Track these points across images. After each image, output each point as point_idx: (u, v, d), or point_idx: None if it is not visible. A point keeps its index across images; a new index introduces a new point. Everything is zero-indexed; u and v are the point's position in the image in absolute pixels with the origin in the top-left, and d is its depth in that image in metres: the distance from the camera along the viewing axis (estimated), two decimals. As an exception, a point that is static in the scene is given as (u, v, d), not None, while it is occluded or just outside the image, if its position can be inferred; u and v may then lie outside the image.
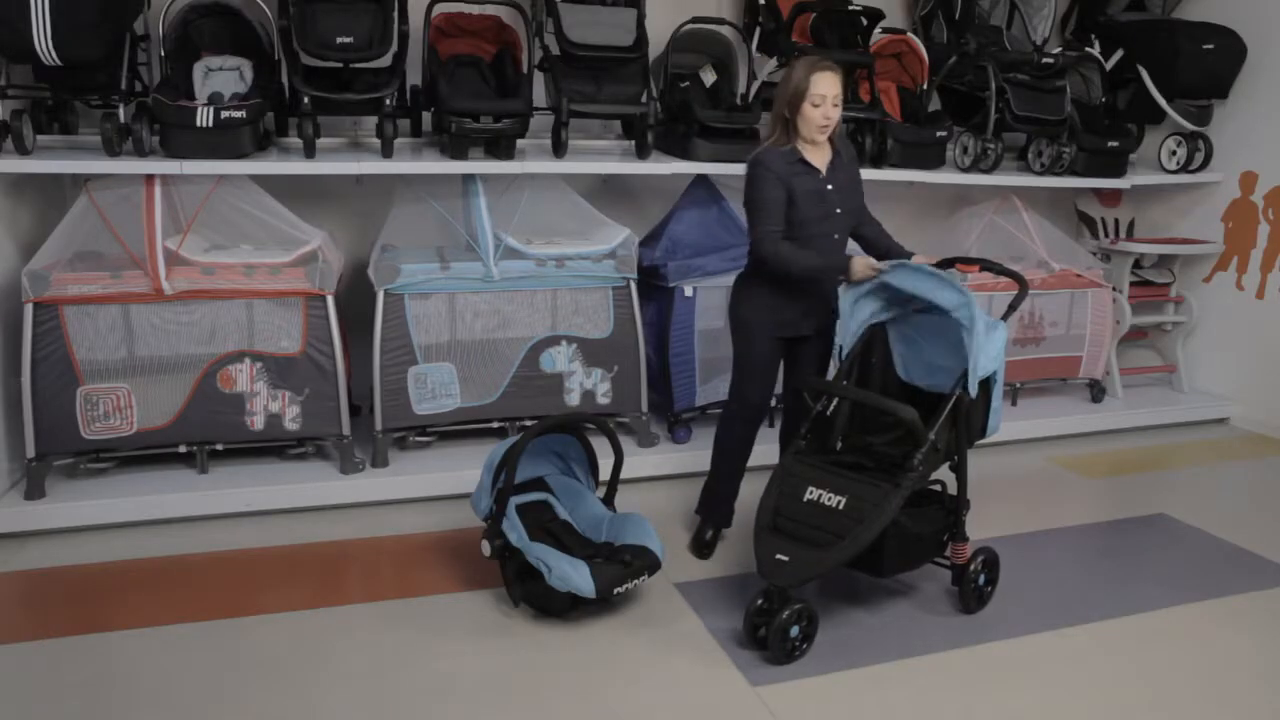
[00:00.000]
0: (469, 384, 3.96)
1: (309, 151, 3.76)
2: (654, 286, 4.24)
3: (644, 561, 3.00)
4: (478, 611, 3.05)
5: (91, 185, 3.64)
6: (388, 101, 3.78)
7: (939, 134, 4.57)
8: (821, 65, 3.02)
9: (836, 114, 3.05)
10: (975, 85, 4.72)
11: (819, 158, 3.14)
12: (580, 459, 3.35)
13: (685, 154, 4.24)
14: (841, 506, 2.79)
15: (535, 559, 2.90)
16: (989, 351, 2.90)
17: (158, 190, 3.61)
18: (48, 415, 3.50)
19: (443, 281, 3.87)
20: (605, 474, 3.33)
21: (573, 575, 2.85)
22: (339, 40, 3.63)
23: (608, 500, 3.32)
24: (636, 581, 2.97)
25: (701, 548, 3.46)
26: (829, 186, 3.13)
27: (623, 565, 2.96)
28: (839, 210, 3.16)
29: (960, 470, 3.03)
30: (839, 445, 3.13)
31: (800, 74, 3.02)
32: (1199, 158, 5.07)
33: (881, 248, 3.31)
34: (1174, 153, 5.13)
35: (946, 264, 3.20)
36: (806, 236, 3.10)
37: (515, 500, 3.07)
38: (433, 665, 2.74)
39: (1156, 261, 5.35)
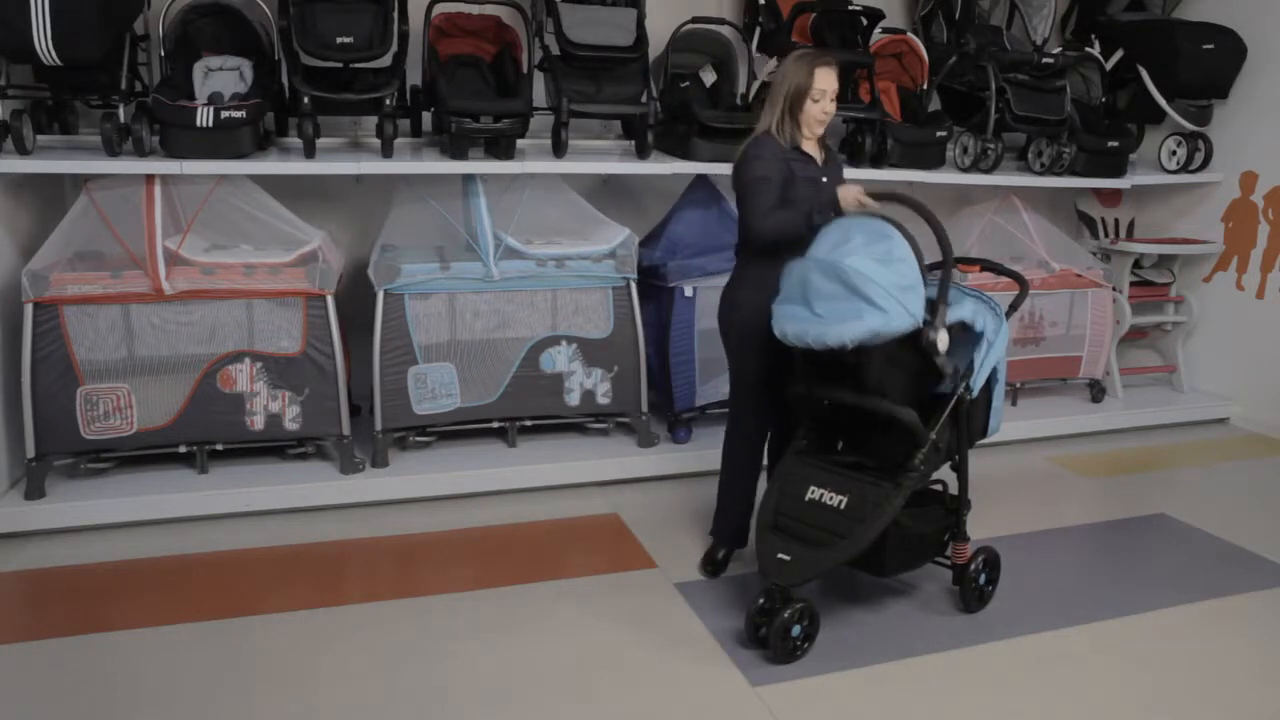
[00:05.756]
0: (469, 384, 3.95)
1: (309, 151, 3.75)
2: (654, 286, 4.24)
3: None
4: (478, 611, 3.04)
5: (91, 185, 3.64)
6: (388, 101, 3.78)
7: (939, 134, 4.57)
8: (822, 61, 3.04)
9: (833, 109, 3.09)
10: (975, 85, 4.72)
11: (814, 151, 3.15)
12: None
13: (685, 154, 4.24)
14: (843, 506, 2.79)
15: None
16: (994, 356, 2.91)
17: (158, 190, 3.61)
18: (48, 415, 3.50)
19: (443, 281, 3.87)
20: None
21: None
22: (339, 40, 3.63)
23: None
24: None
25: (711, 566, 3.31)
26: (824, 179, 3.12)
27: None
28: (829, 199, 3.09)
29: (961, 470, 3.03)
30: (840, 445, 3.13)
31: (803, 70, 3.02)
32: (1199, 158, 5.08)
33: None
34: (1174, 153, 5.13)
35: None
36: None
37: None
38: (433, 665, 2.74)
39: (1156, 261, 5.35)
